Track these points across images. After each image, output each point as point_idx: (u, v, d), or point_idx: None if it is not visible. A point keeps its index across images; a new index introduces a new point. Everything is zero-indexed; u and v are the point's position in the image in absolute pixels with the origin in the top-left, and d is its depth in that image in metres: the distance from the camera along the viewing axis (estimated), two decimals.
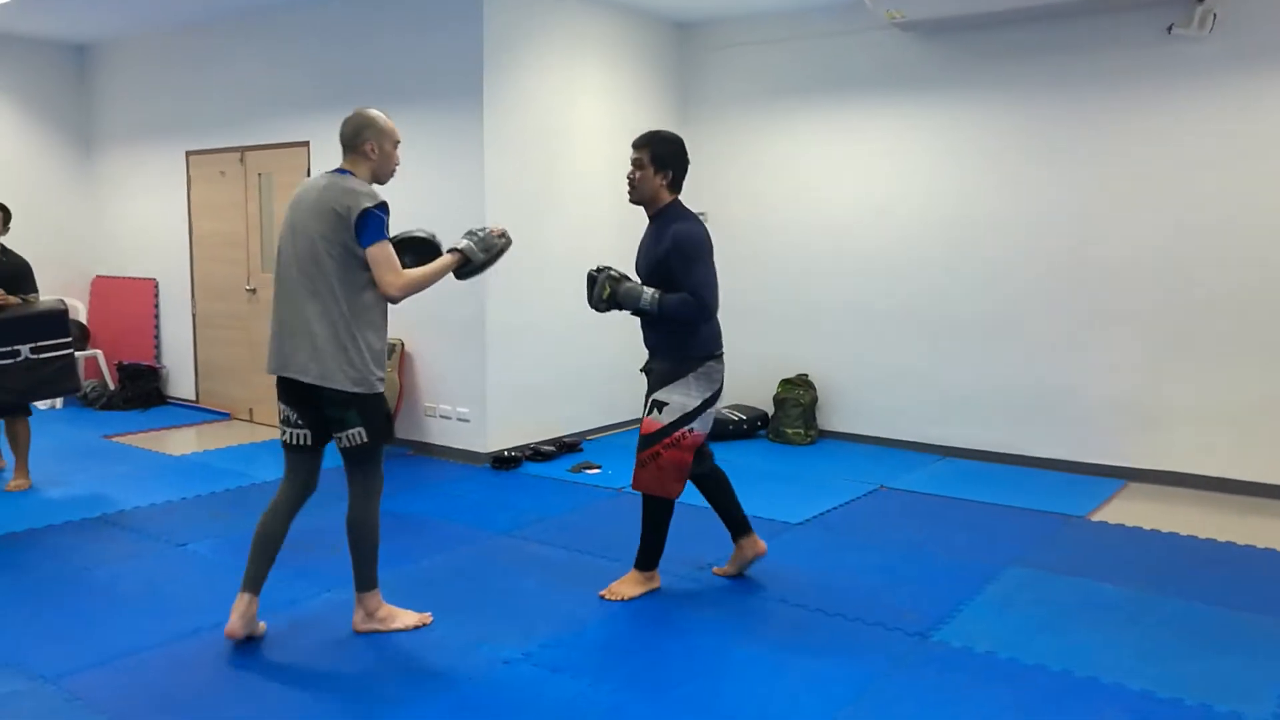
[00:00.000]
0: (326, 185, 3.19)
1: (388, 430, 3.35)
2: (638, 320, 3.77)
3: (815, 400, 6.56)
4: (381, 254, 3.15)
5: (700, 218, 3.74)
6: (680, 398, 3.60)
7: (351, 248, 3.14)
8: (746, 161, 6.86)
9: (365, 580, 3.38)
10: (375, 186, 3.28)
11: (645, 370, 3.77)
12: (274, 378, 3.28)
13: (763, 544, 3.96)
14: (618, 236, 6.61)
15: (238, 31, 6.94)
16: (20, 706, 2.87)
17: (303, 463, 3.32)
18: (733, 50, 6.86)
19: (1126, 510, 4.99)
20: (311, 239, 3.15)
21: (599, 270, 3.71)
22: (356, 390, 3.17)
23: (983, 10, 5.52)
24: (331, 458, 3.37)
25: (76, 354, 7.76)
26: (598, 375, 6.57)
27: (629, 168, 3.65)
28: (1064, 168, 5.67)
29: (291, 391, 3.25)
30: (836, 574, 4.04)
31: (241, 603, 3.26)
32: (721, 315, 3.79)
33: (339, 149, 3.33)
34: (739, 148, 6.88)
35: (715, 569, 4.03)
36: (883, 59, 6.23)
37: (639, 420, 6.96)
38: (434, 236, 3.51)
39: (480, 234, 3.41)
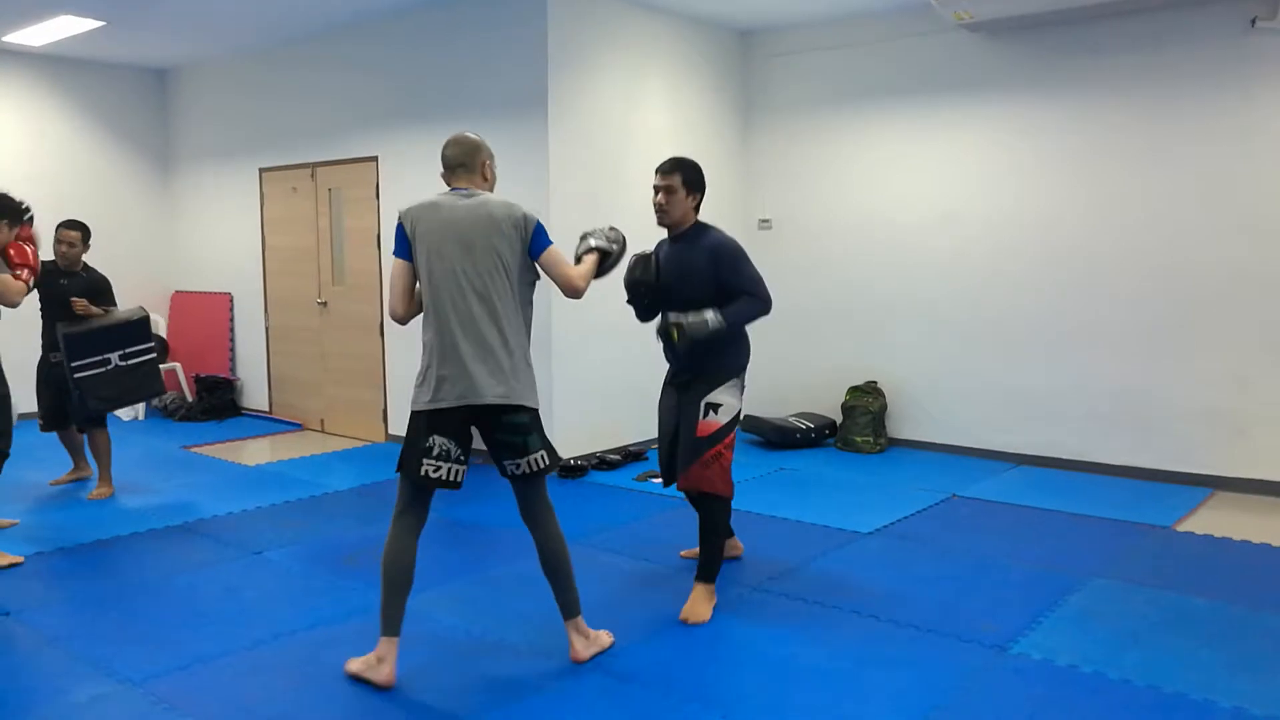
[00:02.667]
0: (481, 203, 3.06)
1: (552, 449, 3.22)
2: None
3: (885, 408, 6.46)
4: (559, 254, 3.12)
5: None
6: (730, 399, 3.71)
7: (524, 261, 3.09)
8: (811, 168, 6.80)
9: (574, 604, 3.24)
10: None
11: (678, 383, 3.81)
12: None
13: (740, 547, 4.26)
14: None
15: (309, 52, 7.11)
16: (108, 709, 2.95)
17: (428, 498, 3.13)
18: (796, 57, 6.81)
19: (1214, 520, 4.81)
20: (499, 255, 3.03)
21: (664, 320, 3.77)
22: (537, 408, 3.12)
23: (1054, 8, 5.39)
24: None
25: (160, 367, 8.06)
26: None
27: (658, 195, 3.78)
28: (1142, 169, 5.50)
29: (451, 422, 3.03)
30: (909, 585, 3.96)
31: (389, 650, 3.07)
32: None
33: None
34: (804, 154, 6.82)
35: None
36: (950, 61, 6.13)
37: None
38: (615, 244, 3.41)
39: (598, 231, 3.38)
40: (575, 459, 5.93)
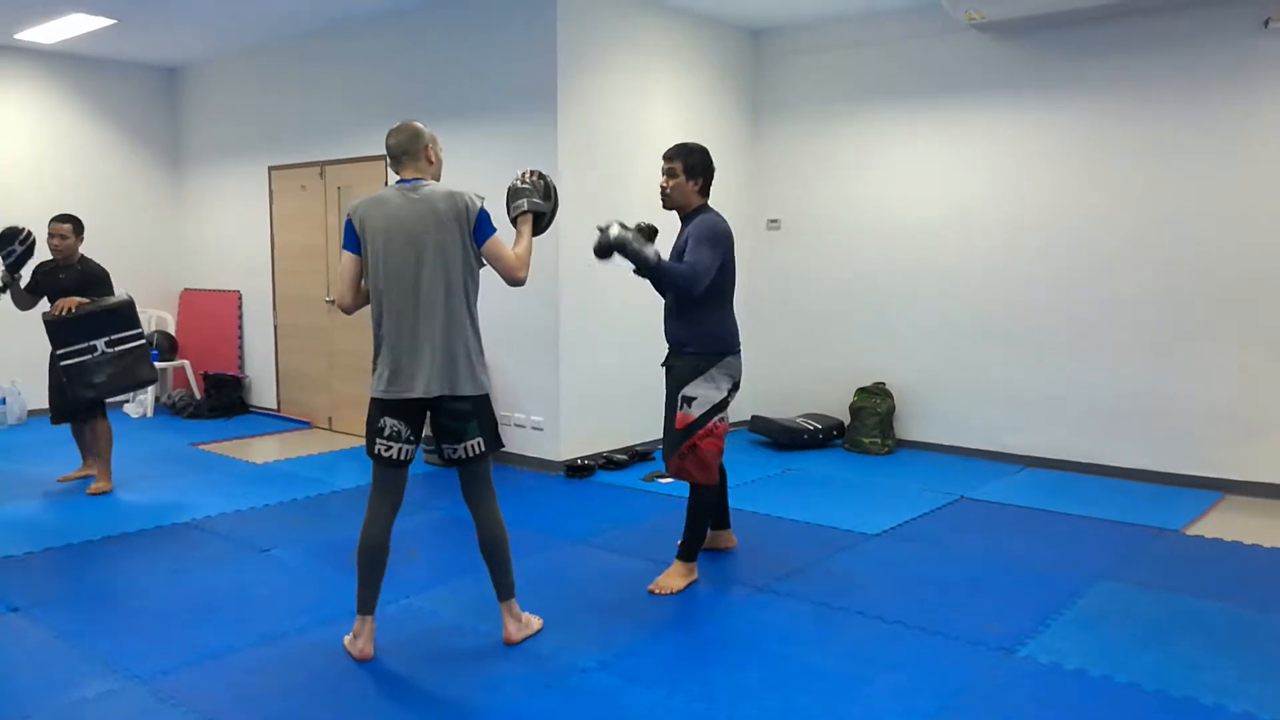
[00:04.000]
0: (424, 196, 3.15)
1: (495, 437, 3.32)
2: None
3: (893, 409, 6.45)
4: (500, 242, 3.21)
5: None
6: (706, 391, 3.82)
7: (470, 249, 3.18)
8: (820, 168, 6.79)
9: (509, 587, 3.38)
10: None
11: (666, 366, 3.97)
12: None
13: (734, 540, 4.38)
14: None
15: (318, 50, 7.13)
16: (116, 705, 2.96)
17: (401, 477, 3.29)
18: (806, 56, 6.80)
19: (1225, 523, 4.78)
20: (443, 250, 3.13)
21: (619, 226, 3.77)
22: (478, 393, 3.23)
23: (1066, 8, 5.37)
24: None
25: (166, 365, 8.08)
26: None
27: (662, 179, 3.90)
28: (1152, 169, 5.47)
29: (402, 407, 3.18)
30: (916, 586, 3.95)
31: (367, 627, 3.26)
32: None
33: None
34: (813, 154, 6.81)
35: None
36: (961, 61, 6.11)
37: None
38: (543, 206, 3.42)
39: (522, 187, 3.36)
40: (582, 459, 5.93)
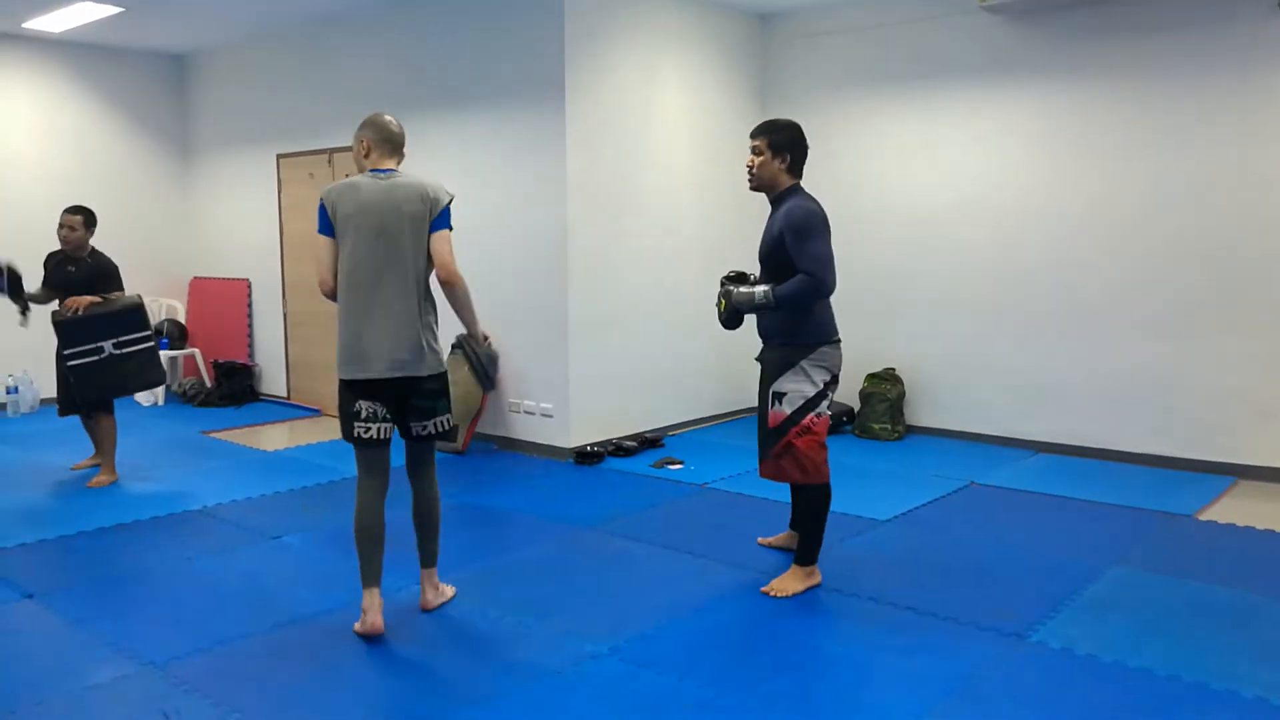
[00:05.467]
0: (393, 184, 3.28)
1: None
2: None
3: (903, 395, 6.43)
4: (446, 239, 3.32)
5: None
6: (798, 385, 3.61)
7: (425, 238, 3.30)
8: (828, 152, 6.73)
9: (435, 556, 3.56)
10: None
11: (759, 359, 3.79)
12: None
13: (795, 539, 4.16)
14: (700, 229, 6.60)
15: (326, 37, 7.11)
16: (129, 690, 2.98)
17: (384, 456, 3.39)
18: (814, 40, 6.75)
19: (1238, 509, 4.76)
20: (405, 236, 3.26)
21: (722, 284, 3.75)
22: (440, 371, 3.36)
23: None
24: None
25: (177, 353, 8.11)
26: (679, 370, 6.55)
27: (748, 157, 3.75)
28: (1163, 152, 5.42)
29: (379, 387, 3.30)
30: (927, 572, 3.94)
31: (375, 600, 3.34)
32: None
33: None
34: (822, 138, 6.71)
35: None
36: (971, 45, 6.06)
37: (721, 416, 6.95)
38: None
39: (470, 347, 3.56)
40: (592, 445, 5.94)
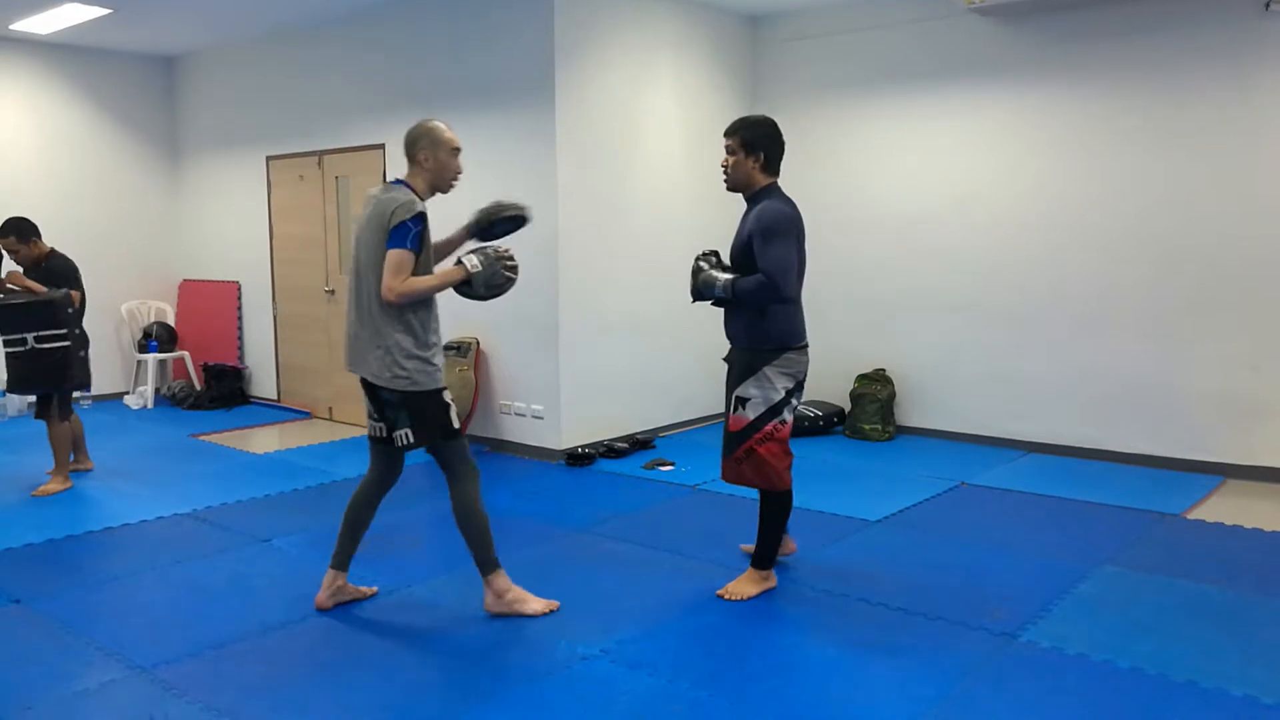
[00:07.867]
0: (378, 199, 3.35)
1: (439, 429, 3.40)
2: (716, 315, 3.79)
3: (893, 395, 6.44)
4: (395, 258, 3.22)
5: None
6: (762, 391, 3.57)
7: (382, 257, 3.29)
8: (819, 153, 6.76)
9: (484, 563, 3.50)
10: (435, 195, 3.44)
11: (726, 359, 3.76)
12: (356, 377, 3.42)
13: (793, 545, 4.10)
14: (691, 231, 6.59)
15: (315, 39, 7.09)
16: (117, 694, 2.96)
17: (382, 454, 3.54)
18: (804, 42, 6.76)
19: (1226, 508, 4.78)
20: (369, 250, 3.31)
21: (698, 258, 3.72)
22: (398, 389, 3.31)
23: None
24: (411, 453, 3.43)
25: (166, 356, 8.07)
26: (671, 372, 6.55)
27: (723, 157, 3.68)
28: (1153, 154, 5.45)
29: (367, 390, 3.44)
30: (918, 572, 3.95)
31: (328, 578, 3.56)
32: None
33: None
34: (812, 140, 6.78)
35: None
36: (960, 46, 6.08)
37: (712, 417, 6.95)
38: (525, 211, 3.66)
39: (490, 254, 3.41)
40: (582, 447, 5.93)
